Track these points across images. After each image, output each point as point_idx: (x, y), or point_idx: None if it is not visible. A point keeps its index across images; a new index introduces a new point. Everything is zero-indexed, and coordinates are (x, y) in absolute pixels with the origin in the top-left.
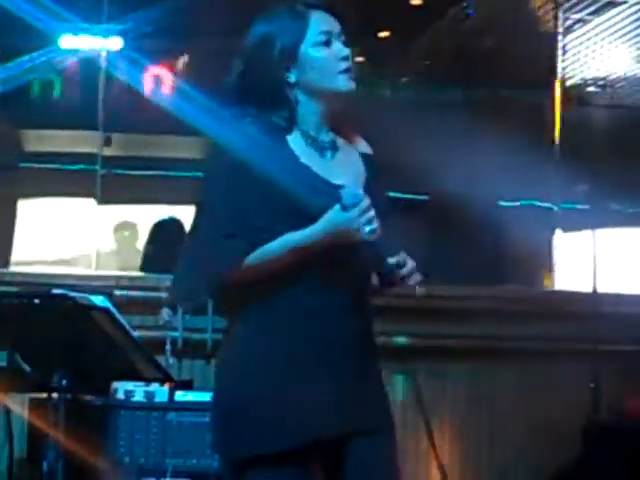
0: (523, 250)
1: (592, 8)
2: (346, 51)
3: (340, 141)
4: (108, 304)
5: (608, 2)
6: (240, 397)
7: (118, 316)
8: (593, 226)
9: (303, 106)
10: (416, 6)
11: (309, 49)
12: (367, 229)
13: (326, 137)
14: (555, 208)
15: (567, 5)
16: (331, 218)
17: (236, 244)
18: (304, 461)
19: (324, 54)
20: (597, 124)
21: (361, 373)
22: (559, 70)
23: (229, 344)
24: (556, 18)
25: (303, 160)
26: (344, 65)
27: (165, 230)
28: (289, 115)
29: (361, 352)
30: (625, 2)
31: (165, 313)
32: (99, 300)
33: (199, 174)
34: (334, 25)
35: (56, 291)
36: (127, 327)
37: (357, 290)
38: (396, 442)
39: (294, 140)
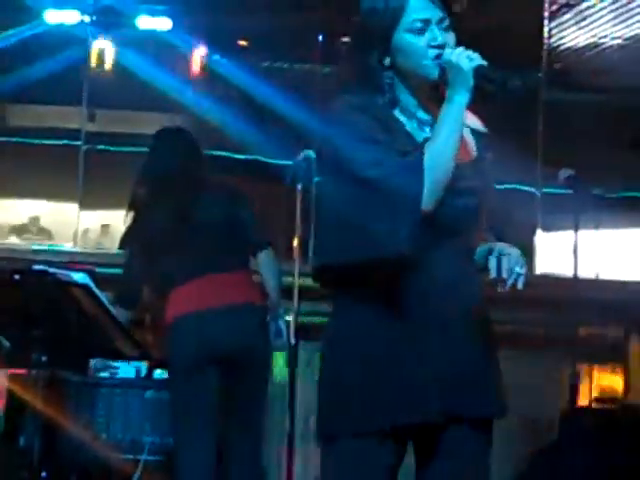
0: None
1: None
2: (440, 38)
3: None
4: (88, 281)
5: None
6: (342, 378)
7: (98, 293)
8: (575, 211)
9: (399, 88)
10: None
11: (403, 35)
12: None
13: (424, 116)
14: (537, 193)
15: None
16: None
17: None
18: (399, 441)
19: (415, 41)
20: (583, 109)
21: (469, 356)
22: (544, 54)
23: (333, 325)
24: (542, 2)
25: (408, 129)
26: (434, 53)
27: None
28: (388, 95)
29: (468, 333)
30: None
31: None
32: (79, 277)
33: None
34: (433, 11)
35: (36, 267)
36: (107, 304)
37: (462, 266)
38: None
39: (398, 115)
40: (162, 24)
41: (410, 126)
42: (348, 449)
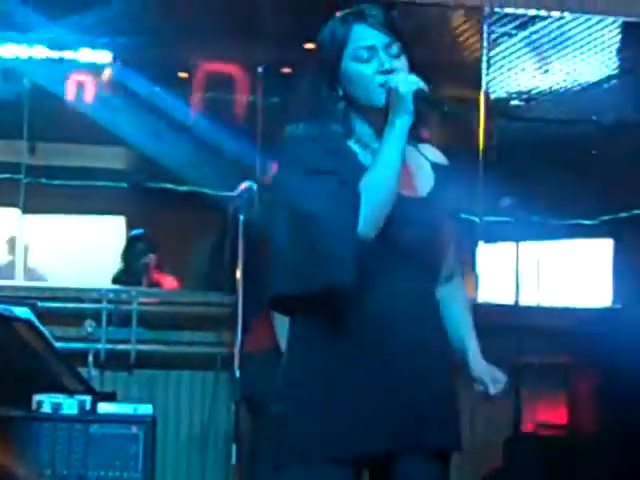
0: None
1: (517, 22)
2: (387, 64)
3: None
4: (30, 315)
5: (534, 16)
6: (291, 406)
7: (41, 327)
8: (516, 238)
9: (354, 118)
10: None
11: (349, 64)
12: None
13: None
14: (478, 220)
15: (492, 19)
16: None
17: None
18: (354, 468)
19: (362, 69)
20: (522, 137)
21: (423, 388)
22: (484, 83)
23: (287, 353)
24: (481, 32)
25: (361, 159)
26: (381, 79)
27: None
28: (343, 126)
29: (423, 365)
30: (549, 17)
31: (88, 325)
32: (21, 311)
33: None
34: (379, 37)
35: None
36: (49, 339)
37: (420, 297)
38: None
39: (352, 145)
40: (103, 57)
41: (363, 157)
42: (299, 475)
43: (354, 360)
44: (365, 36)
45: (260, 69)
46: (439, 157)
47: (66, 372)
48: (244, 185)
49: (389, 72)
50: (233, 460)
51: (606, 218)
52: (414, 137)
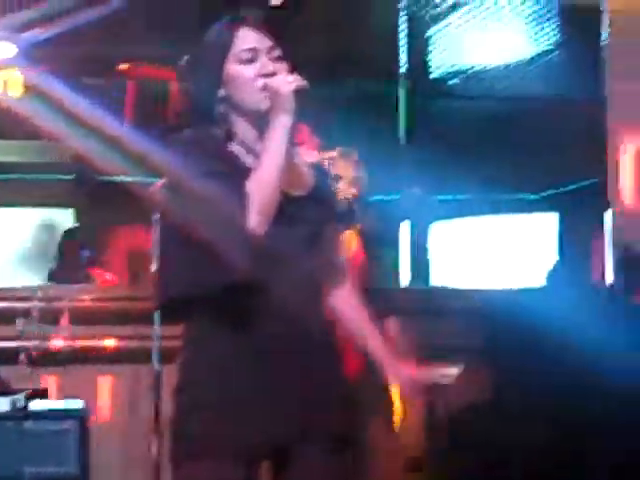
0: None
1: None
2: (270, 67)
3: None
4: None
5: None
6: (186, 401)
7: None
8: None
9: (236, 121)
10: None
11: (231, 66)
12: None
13: None
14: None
15: None
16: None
17: None
18: (251, 460)
19: (244, 72)
20: (463, 115)
21: (311, 381)
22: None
23: (185, 347)
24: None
25: (244, 161)
26: (262, 82)
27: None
28: (225, 129)
29: (310, 356)
30: None
31: (20, 323)
32: None
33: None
34: (262, 41)
35: None
36: None
37: (305, 292)
38: (347, 457)
39: (234, 148)
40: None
41: (246, 159)
42: (199, 469)
43: (249, 356)
44: (249, 38)
45: None
46: (314, 157)
47: None
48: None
49: (271, 75)
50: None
51: (550, 192)
52: (293, 138)
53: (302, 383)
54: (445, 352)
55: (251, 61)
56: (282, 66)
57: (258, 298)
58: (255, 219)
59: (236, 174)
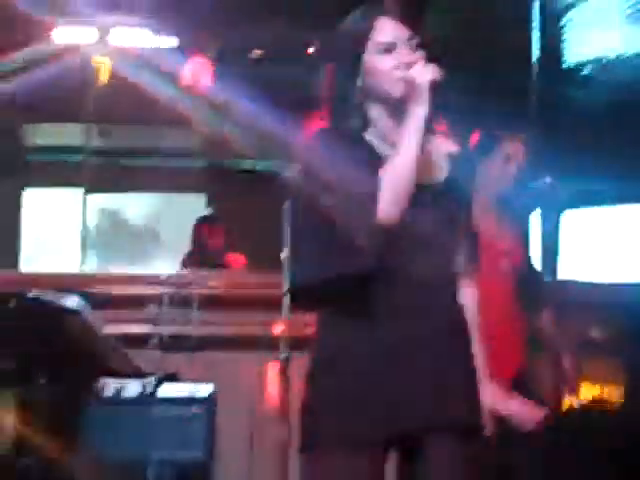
0: None
1: None
2: (407, 58)
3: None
4: (80, 306)
5: None
6: (317, 389)
7: (88, 318)
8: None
9: (373, 110)
10: None
11: (370, 56)
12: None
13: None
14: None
15: None
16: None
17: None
18: (378, 452)
19: (382, 62)
20: (591, 104)
21: (442, 370)
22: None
23: (317, 335)
24: None
25: (379, 151)
26: (399, 73)
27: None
28: (361, 118)
29: (444, 347)
30: None
31: (151, 307)
32: (72, 301)
33: None
34: (400, 32)
35: (30, 294)
36: (97, 328)
37: (438, 281)
38: (475, 442)
39: (371, 138)
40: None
41: (381, 148)
42: (332, 457)
43: (380, 345)
44: (388, 28)
45: None
46: (452, 147)
47: (117, 358)
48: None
49: (409, 65)
50: None
51: None
52: (429, 128)
53: (432, 372)
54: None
55: (390, 51)
56: (420, 55)
57: (388, 287)
58: (387, 209)
59: (371, 163)
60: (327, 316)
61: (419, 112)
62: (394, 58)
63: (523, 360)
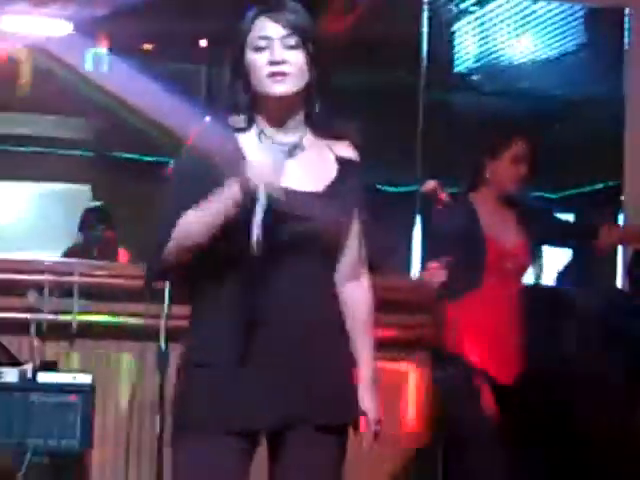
0: None
1: None
2: (278, 55)
3: (313, 143)
4: None
5: None
6: (185, 384)
7: None
8: None
9: (258, 107)
10: None
11: (248, 53)
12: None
13: (286, 138)
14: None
15: None
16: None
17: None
18: (239, 443)
19: (256, 58)
20: (475, 110)
21: (308, 367)
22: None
23: (187, 334)
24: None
25: (251, 157)
26: (270, 70)
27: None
28: (247, 115)
29: (310, 346)
30: None
31: (31, 295)
32: None
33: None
34: (275, 30)
35: None
36: None
37: (306, 288)
38: (342, 441)
39: (248, 139)
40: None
41: (255, 156)
42: (198, 441)
43: (248, 344)
44: (264, 26)
45: None
46: (349, 152)
47: None
48: None
49: (279, 63)
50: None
51: (567, 193)
52: (317, 130)
53: (297, 368)
54: None
55: (263, 49)
56: (294, 55)
57: (259, 289)
58: (167, 253)
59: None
60: (199, 306)
61: (235, 193)
62: (265, 56)
63: (524, 365)
